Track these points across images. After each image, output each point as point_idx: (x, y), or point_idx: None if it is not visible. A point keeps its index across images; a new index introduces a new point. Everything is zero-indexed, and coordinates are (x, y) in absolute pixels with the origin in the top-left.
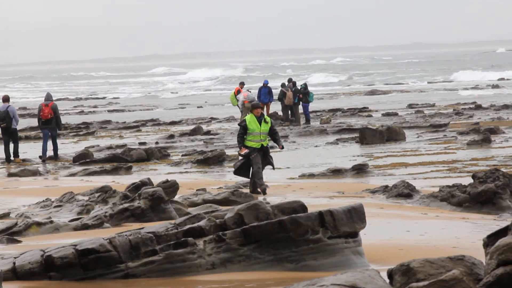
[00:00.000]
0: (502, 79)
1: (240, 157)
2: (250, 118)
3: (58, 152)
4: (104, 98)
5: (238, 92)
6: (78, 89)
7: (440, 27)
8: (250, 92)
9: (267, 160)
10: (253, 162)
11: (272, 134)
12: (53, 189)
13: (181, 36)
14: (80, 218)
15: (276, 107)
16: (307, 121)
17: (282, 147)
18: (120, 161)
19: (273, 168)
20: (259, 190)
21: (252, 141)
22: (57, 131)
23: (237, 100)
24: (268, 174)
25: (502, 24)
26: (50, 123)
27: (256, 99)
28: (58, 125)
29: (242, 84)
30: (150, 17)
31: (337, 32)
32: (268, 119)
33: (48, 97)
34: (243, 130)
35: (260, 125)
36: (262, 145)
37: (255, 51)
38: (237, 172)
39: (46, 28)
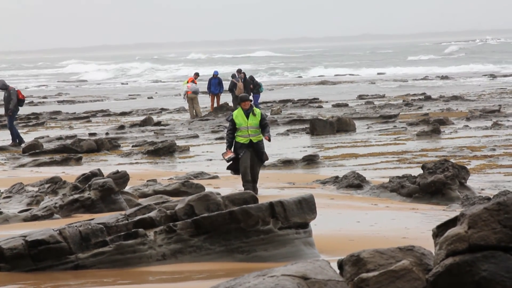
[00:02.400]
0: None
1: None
2: (237, 112)
3: (5, 144)
4: None
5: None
6: None
7: (389, 18)
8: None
9: (258, 157)
10: (240, 162)
11: (262, 126)
12: (2, 179)
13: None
14: (30, 209)
15: (226, 98)
16: None
17: (269, 139)
18: (70, 152)
19: (263, 164)
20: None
21: (240, 137)
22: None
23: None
24: (218, 165)
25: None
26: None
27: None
28: (6, 108)
29: (196, 75)
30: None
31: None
32: (257, 111)
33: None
34: (232, 126)
35: (248, 118)
36: (251, 140)
37: (205, 41)
38: (229, 167)
39: None
